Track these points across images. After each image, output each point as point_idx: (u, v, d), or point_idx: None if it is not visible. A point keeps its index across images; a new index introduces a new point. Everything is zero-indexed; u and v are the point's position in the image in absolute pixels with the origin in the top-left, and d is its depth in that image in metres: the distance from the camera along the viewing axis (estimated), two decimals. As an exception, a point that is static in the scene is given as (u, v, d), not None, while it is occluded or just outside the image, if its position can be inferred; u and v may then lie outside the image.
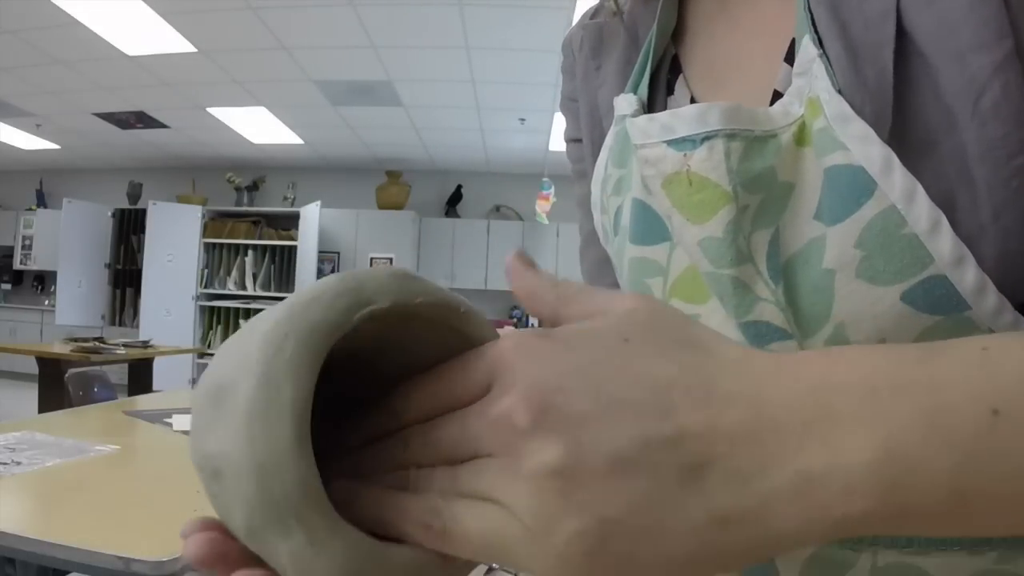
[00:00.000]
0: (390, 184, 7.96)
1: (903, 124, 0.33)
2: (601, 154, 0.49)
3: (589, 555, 0.22)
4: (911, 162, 0.33)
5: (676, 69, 0.47)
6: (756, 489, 0.23)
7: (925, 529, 0.24)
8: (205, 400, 0.25)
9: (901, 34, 0.33)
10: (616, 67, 0.49)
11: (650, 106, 0.46)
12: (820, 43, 0.36)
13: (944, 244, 0.32)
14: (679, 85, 0.46)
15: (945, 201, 0.32)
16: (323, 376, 0.24)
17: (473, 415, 0.25)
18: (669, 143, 0.39)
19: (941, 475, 0.22)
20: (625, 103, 0.46)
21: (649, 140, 0.40)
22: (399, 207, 7.94)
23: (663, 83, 0.47)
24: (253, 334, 0.24)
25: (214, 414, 0.24)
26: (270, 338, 0.23)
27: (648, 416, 0.23)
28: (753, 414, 0.23)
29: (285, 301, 0.25)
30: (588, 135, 0.53)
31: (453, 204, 8.28)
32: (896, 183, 0.32)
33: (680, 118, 0.38)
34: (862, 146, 0.33)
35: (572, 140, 0.57)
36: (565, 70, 0.57)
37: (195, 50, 4.91)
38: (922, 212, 0.32)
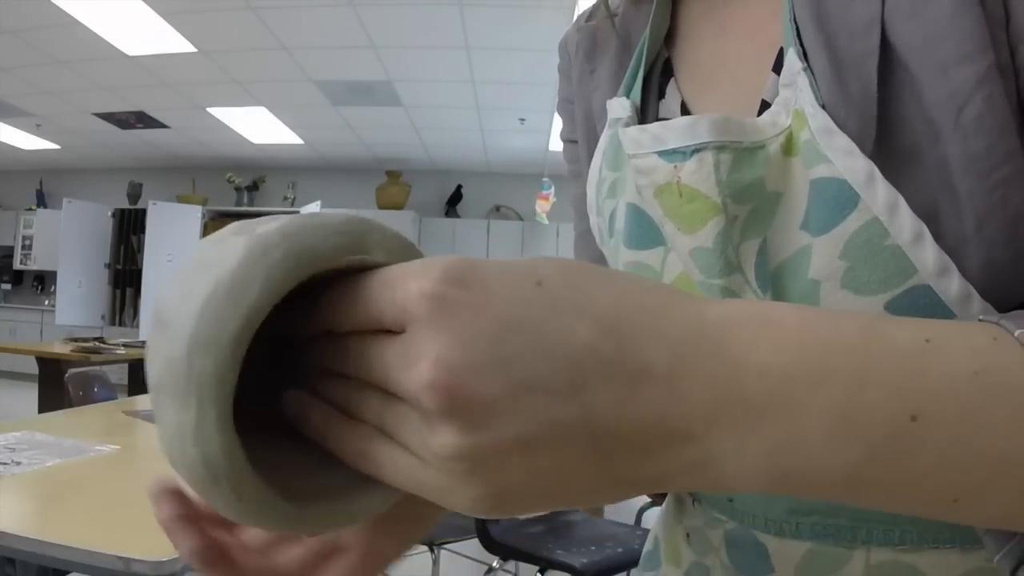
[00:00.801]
0: (390, 184, 7.96)
1: (888, 136, 0.33)
2: (595, 157, 0.49)
3: (492, 511, 0.24)
4: (896, 173, 0.33)
5: (668, 72, 0.47)
6: (659, 463, 0.24)
7: (816, 499, 0.25)
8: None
9: (885, 46, 0.33)
10: (610, 71, 0.50)
11: (643, 109, 0.46)
12: (805, 56, 0.36)
13: (927, 255, 0.32)
14: (670, 89, 0.46)
15: (929, 212, 0.32)
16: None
17: (393, 368, 0.24)
18: (660, 154, 0.39)
19: (839, 468, 0.24)
20: (618, 107, 0.46)
21: (641, 150, 0.40)
22: (399, 207, 7.94)
23: (655, 86, 0.47)
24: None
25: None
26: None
27: (558, 396, 0.23)
28: (665, 393, 0.23)
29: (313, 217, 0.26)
30: (583, 137, 0.53)
31: (453, 204, 8.28)
32: (879, 195, 0.33)
33: (670, 129, 0.38)
34: (845, 159, 0.33)
35: (568, 141, 0.57)
36: (561, 71, 0.57)
37: (195, 50, 4.91)
38: (905, 224, 0.32)
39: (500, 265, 0.25)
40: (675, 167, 0.38)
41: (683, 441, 0.24)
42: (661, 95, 0.47)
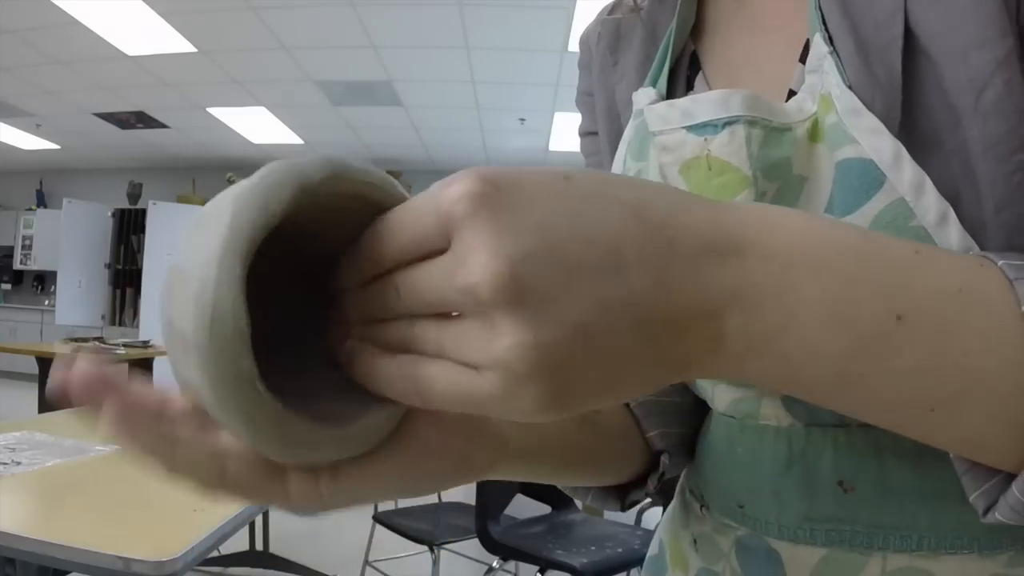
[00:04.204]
0: (390, 184, 7.95)
1: (911, 120, 0.34)
2: (620, 149, 0.49)
3: (552, 407, 0.24)
4: (918, 157, 0.33)
5: (695, 66, 0.47)
6: (688, 343, 0.25)
7: (811, 398, 0.27)
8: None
9: (908, 33, 0.34)
10: (635, 63, 0.50)
11: (668, 100, 0.46)
12: (831, 40, 0.36)
13: (952, 237, 0.32)
14: (698, 82, 0.46)
15: (950, 197, 0.33)
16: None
17: (446, 280, 0.24)
18: (689, 128, 0.39)
19: (828, 358, 0.26)
20: (644, 97, 0.46)
21: (668, 126, 0.40)
22: (399, 207, 7.93)
23: (682, 79, 0.47)
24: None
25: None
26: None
27: (603, 279, 0.23)
28: (691, 274, 0.25)
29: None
30: (605, 130, 0.53)
31: (453, 204, 8.27)
32: (905, 175, 0.33)
33: (701, 104, 0.39)
34: (872, 139, 0.34)
35: (587, 134, 0.57)
36: (582, 65, 0.57)
37: (195, 50, 4.91)
38: (930, 204, 0.33)
39: (525, 168, 0.25)
40: (704, 140, 0.38)
41: (706, 319, 0.25)
42: (689, 87, 0.47)
